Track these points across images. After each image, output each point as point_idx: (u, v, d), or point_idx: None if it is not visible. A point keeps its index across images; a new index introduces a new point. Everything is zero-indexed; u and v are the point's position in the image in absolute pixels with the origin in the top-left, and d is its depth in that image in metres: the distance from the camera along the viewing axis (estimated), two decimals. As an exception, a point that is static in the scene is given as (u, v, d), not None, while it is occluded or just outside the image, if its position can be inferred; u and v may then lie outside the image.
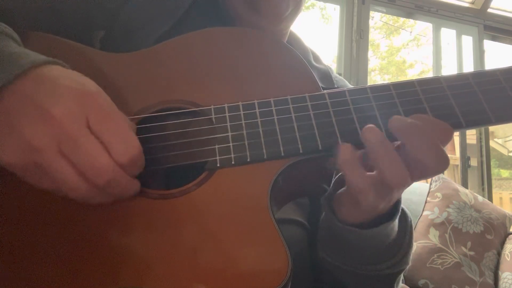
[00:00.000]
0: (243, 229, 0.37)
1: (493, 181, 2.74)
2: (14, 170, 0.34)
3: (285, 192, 0.44)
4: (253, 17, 0.56)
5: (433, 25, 2.43)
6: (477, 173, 2.32)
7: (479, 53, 2.44)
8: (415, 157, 0.37)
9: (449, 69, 2.58)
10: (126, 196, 0.37)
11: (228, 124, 0.42)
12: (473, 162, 2.34)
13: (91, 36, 0.52)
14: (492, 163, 2.40)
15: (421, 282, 1.35)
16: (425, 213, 1.52)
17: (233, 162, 0.40)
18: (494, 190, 2.54)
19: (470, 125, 0.41)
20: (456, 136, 2.34)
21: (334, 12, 2.66)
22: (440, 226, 1.46)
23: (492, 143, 3.45)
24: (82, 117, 0.34)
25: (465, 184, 2.23)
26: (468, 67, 2.45)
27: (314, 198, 0.57)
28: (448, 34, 2.45)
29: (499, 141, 6.32)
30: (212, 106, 0.43)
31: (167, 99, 0.44)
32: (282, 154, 0.40)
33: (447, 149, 0.39)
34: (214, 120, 0.42)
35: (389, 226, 0.43)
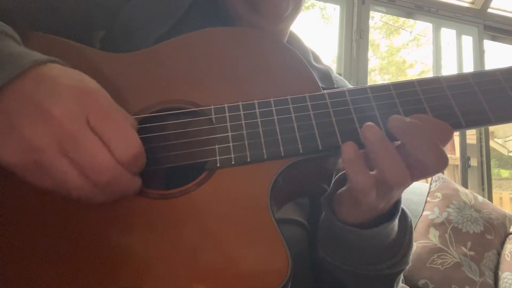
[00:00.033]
0: (243, 229, 0.37)
1: (493, 181, 2.74)
2: (15, 170, 0.34)
3: (285, 192, 0.44)
4: (253, 17, 0.56)
5: (433, 25, 2.43)
6: (477, 173, 2.32)
7: (479, 53, 2.44)
8: (415, 156, 0.37)
9: (449, 69, 2.58)
10: (128, 194, 0.37)
11: (228, 124, 0.42)
12: (473, 162, 2.34)
13: (91, 36, 0.52)
14: (492, 163, 2.40)
15: (421, 282, 1.35)
16: (425, 213, 1.52)
17: (233, 162, 0.40)
18: (494, 190, 2.54)
19: (470, 125, 0.41)
20: (456, 136, 2.35)
21: (334, 12, 2.66)
22: (440, 226, 1.46)
23: (492, 143, 3.45)
24: (82, 116, 0.34)
25: (465, 184, 2.23)
26: (468, 67, 2.46)
27: (314, 198, 0.57)
28: (448, 34, 2.45)
29: (499, 141, 6.32)
30: (212, 106, 0.43)
31: (167, 99, 0.44)
32: (282, 154, 0.40)
33: (447, 149, 0.39)
34: (214, 120, 0.42)
35: (389, 226, 0.43)
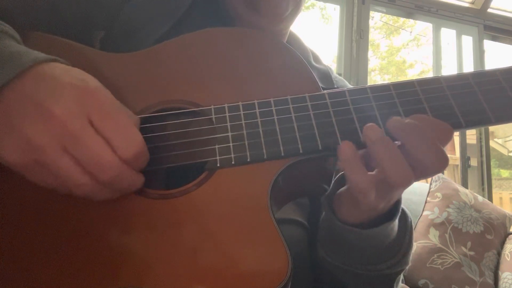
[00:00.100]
0: (243, 229, 0.37)
1: (493, 181, 2.74)
2: (16, 169, 0.34)
3: (285, 192, 0.44)
4: (253, 17, 0.56)
5: (433, 25, 2.43)
6: (477, 173, 2.32)
7: (479, 53, 2.44)
8: (415, 157, 0.37)
9: (449, 69, 2.58)
10: (130, 191, 0.37)
11: (228, 124, 0.42)
12: (473, 162, 2.34)
13: (91, 36, 0.52)
14: (492, 163, 2.40)
15: (421, 282, 1.35)
16: (425, 213, 1.52)
17: (233, 162, 0.40)
18: (494, 190, 2.54)
19: (470, 125, 0.41)
20: (456, 136, 2.34)
21: (334, 12, 2.66)
22: (440, 226, 1.46)
23: (492, 143, 3.45)
24: (84, 114, 0.34)
25: (465, 184, 2.23)
26: (468, 67, 2.46)
27: (314, 198, 0.57)
28: (448, 34, 2.45)
29: (499, 141, 6.32)
30: (212, 106, 0.43)
31: (167, 99, 0.44)
32: (282, 154, 0.40)
33: (447, 149, 0.39)
34: (214, 120, 0.42)
35: (389, 226, 0.43)
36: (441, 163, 0.37)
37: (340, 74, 1.99)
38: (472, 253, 1.41)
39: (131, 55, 0.46)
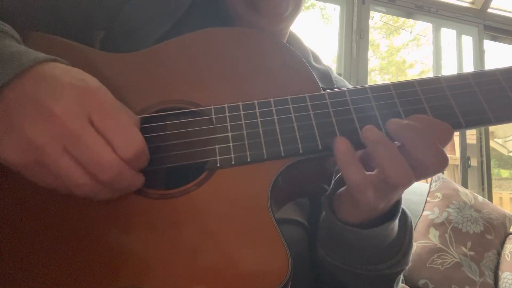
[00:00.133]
0: (243, 229, 0.37)
1: (493, 181, 2.74)
2: (16, 169, 0.34)
3: (285, 192, 0.44)
4: (253, 17, 0.56)
5: (433, 25, 2.43)
6: (477, 173, 2.32)
7: (479, 53, 2.44)
8: (415, 157, 0.37)
9: (449, 69, 2.58)
10: (131, 190, 0.37)
11: (228, 124, 0.42)
12: (473, 162, 2.34)
13: (91, 36, 0.52)
14: (492, 163, 2.40)
15: (421, 282, 1.35)
16: (425, 213, 1.52)
17: (233, 162, 0.40)
18: (494, 190, 2.54)
19: (470, 125, 0.41)
20: (456, 136, 2.34)
21: (334, 12, 2.66)
22: (440, 226, 1.46)
23: (492, 143, 3.45)
24: (84, 114, 0.34)
25: (465, 184, 2.23)
26: (468, 67, 2.46)
27: (314, 198, 0.57)
28: (448, 34, 2.45)
29: (499, 141, 6.32)
30: (212, 106, 0.43)
31: (167, 99, 0.44)
32: (282, 154, 0.40)
33: (447, 149, 0.39)
34: (214, 120, 0.42)
35: (389, 226, 0.43)
36: (441, 163, 0.37)
37: (340, 74, 2.00)
38: (472, 253, 1.41)
39: (131, 55, 0.46)
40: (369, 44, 2.20)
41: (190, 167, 0.41)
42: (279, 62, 0.46)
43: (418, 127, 0.38)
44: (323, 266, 0.51)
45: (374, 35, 5.54)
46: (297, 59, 0.46)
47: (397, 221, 0.45)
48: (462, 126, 0.41)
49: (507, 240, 1.51)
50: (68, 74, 0.36)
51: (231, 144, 0.41)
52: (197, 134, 0.42)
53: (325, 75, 0.63)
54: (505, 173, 6.97)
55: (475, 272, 1.38)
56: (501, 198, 5.24)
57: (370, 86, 0.44)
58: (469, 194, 1.58)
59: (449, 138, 0.39)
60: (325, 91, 0.44)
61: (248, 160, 0.40)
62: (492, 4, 2.47)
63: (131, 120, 0.37)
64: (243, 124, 0.42)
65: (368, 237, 0.43)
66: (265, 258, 0.36)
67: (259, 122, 0.42)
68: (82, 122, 0.34)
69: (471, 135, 2.50)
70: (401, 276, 0.52)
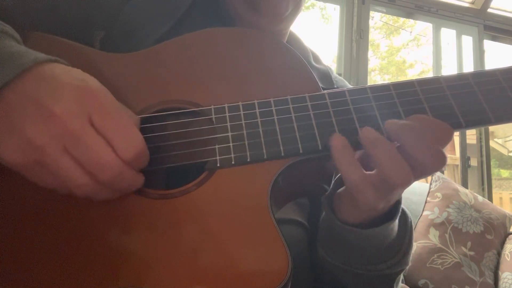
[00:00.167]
0: (243, 229, 0.37)
1: (493, 181, 2.74)
2: (16, 169, 0.34)
3: (285, 192, 0.44)
4: (253, 17, 0.56)
5: (433, 25, 2.43)
6: (477, 173, 2.32)
7: (479, 53, 2.44)
8: (414, 157, 0.37)
9: (449, 69, 2.58)
10: (130, 191, 0.37)
11: (228, 124, 0.42)
12: (473, 162, 2.34)
13: (91, 36, 0.52)
14: (492, 163, 2.40)
15: (421, 282, 1.35)
16: (425, 213, 1.52)
17: (233, 162, 0.40)
18: (494, 190, 2.54)
19: (470, 125, 0.41)
20: (456, 136, 2.34)
21: (334, 12, 2.66)
22: (440, 226, 1.46)
23: (492, 143, 3.45)
24: (84, 114, 0.34)
25: (465, 184, 2.23)
26: (468, 67, 2.46)
27: (314, 198, 0.57)
28: (448, 34, 2.45)
29: (499, 141, 6.32)
30: (212, 106, 0.43)
31: (167, 99, 0.44)
32: (282, 154, 0.40)
33: (447, 149, 0.39)
34: (214, 120, 0.42)
35: (389, 226, 0.43)
36: (440, 162, 0.37)
37: (340, 74, 2.00)
38: (472, 253, 1.41)
39: (131, 55, 0.46)
40: (369, 44, 2.20)
41: (190, 167, 0.41)
42: (279, 62, 0.46)
43: (416, 126, 0.38)
44: (323, 266, 0.51)
45: (374, 35, 5.54)
46: (297, 59, 0.46)
47: (397, 221, 0.45)
48: (462, 126, 0.41)
49: (507, 240, 1.51)
50: (69, 75, 0.36)
51: (231, 144, 0.41)
52: (197, 134, 0.42)
53: (325, 75, 0.63)
54: (505, 173, 6.97)
55: (475, 272, 1.38)
56: (501, 198, 5.24)
57: (370, 86, 0.44)
58: (469, 194, 1.58)
59: (449, 138, 0.39)
60: (325, 91, 0.44)
61: (248, 160, 0.40)
62: (492, 4, 2.47)
63: (131, 120, 0.37)
64: (243, 124, 0.42)
65: (368, 237, 0.43)
66: (265, 258, 0.36)
67: (259, 122, 0.42)
68: (82, 122, 0.34)
69: (471, 135, 2.50)
70: (401, 276, 0.52)
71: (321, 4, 4.05)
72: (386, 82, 0.44)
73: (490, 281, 1.40)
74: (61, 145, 0.33)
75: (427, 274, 1.36)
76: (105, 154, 0.34)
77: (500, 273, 1.42)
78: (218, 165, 0.40)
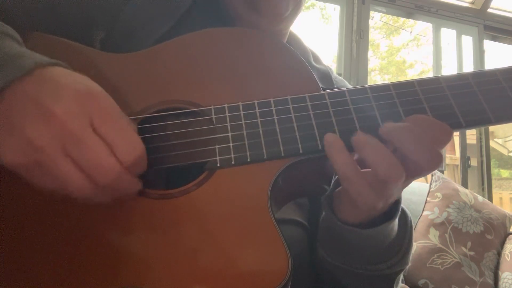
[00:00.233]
0: (243, 229, 0.37)
1: (493, 181, 2.74)
2: (16, 170, 0.34)
3: (285, 192, 0.44)
4: (253, 17, 0.56)
5: (433, 25, 2.43)
6: (477, 173, 2.32)
7: (479, 53, 2.44)
8: (410, 159, 0.37)
9: (449, 69, 2.58)
10: (128, 195, 0.37)
11: (228, 124, 0.42)
12: (473, 162, 2.34)
13: (91, 37, 0.52)
14: (492, 163, 2.40)
15: (421, 282, 1.35)
16: (425, 213, 1.52)
17: (233, 162, 0.40)
18: (494, 190, 2.54)
19: (470, 125, 0.41)
20: (456, 136, 2.34)
21: (334, 12, 2.66)
22: (440, 226, 1.46)
23: (492, 143, 3.44)
24: (85, 117, 0.34)
25: (465, 184, 2.23)
26: (468, 67, 2.46)
27: (314, 198, 0.57)
28: (448, 34, 2.45)
29: (499, 141, 6.32)
30: (212, 106, 0.43)
31: (167, 99, 0.44)
32: (282, 154, 0.40)
33: (447, 149, 0.40)
34: (214, 120, 0.42)
35: (389, 225, 0.43)
36: (435, 163, 0.37)
37: (340, 74, 2.00)
38: (472, 253, 1.41)
39: (131, 55, 0.46)
40: (369, 44, 2.19)
41: (190, 167, 0.41)
42: (279, 62, 0.46)
43: (410, 128, 0.38)
44: (323, 266, 0.51)
45: (374, 35, 5.54)
46: (297, 59, 0.46)
47: (396, 220, 0.45)
48: (462, 126, 0.41)
49: (507, 240, 1.51)
50: (70, 77, 0.36)
51: (231, 144, 0.41)
52: (197, 134, 0.42)
53: (325, 75, 0.63)
54: (505, 173, 6.97)
55: (475, 272, 1.38)
56: (501, 198, 5.24)
57: (370, 86, 0.44)
58: (469, 194, 1.58)
59: (448, 138, 0.39)
60: (325, 91, 0.44)
61: (248, 160, 0.40)
62: (492, 4, 2.47)
63: (131, 125, 0.37)
64: (243, 124, 0.42)
65: (368, 237, 0.43)
66: (265, 258, 0.36)
67: (259, 122, 0.42)
68: (82, 123, 0.33)
69: (471, 135, 2.50)
70: (401, 276, 0.52)
71: (321, 4, 4.05)
72: (386, 82, 0.44)
73: (490, 281, 1.40)
74: (61, 146, 0.33)
75: (427, 274, 1.36)
76: (105, 157, 0.34)
77: (500, 273, 1.42)
78: (218, 165, 0.40)
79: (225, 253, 0.36)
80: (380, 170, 0.36)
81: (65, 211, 0.38)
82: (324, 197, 0.46)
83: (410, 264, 0.50)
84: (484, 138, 2.35)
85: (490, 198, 2.22)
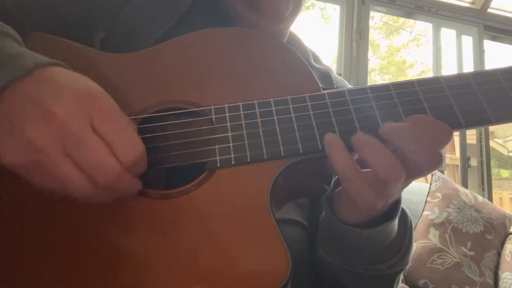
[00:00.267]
0: (243, 229, 0.37)
1: (493, 181, 2.74)
2: (16, 170, 0.34)
3: (285, 192, 0.44)
4: (253, 17, 0.56)
5: (433, 25, 2.43)
6: (477, 173, 2.32)
7: (479, 53, 2.44)
8: (409, 158, 0.37)
9: (449, 69, 2.58)
10: (127, 196, 0.37)
11: (228, 124, 0.42)
12: (473, 162, 2.34)
13: (91, 37, 0.52)
14: (492, 163, 2.40)
15: (421, 282, 1.35)
16: (425, 213, 1.52)
17: (233, 162, 0.40)
18: (494, 190, 2.54)
19: (470, 125, 0.41)
20: (456, 136, 2.34)
21: (334, 12, 2.66)
22: (440, 226, 1.46)
23: (492, 143, 3.44)
24: (85, 116, 0.34)
25: (465, 184, 2.23)
26: (468, 67, 2.46)
27: (314, 198, 0.57)
28: (448, 34, 2.45)
29: (499, 141, 6.32)
30: (212, 106, 0.43)
31: (168, 99, 0.44)
32: (282, 154, 0.40)
33: (447, 149, 0.40)
34: (214, 120, 0.42)
35: (389, 225, 0.43)
36: (435, 163, 0.37)
37: (340, 74, 2.00)
38: (472, 253, 1.41)
39: (131, 55, 0.46)
40: (369, 44, 2.19)
41: (190, 167, 0.41)
42: (279, 62, 0.46)
43: (410, 128, 0.38)
44: (323, 266, 0.51)
45: (374, 35, 5.54)
46: (297, 59, 0.46)
47: (396, 220, 0.45)
48: (462, 126, 0.41)
49: (507, 240, 1.51)
50: (70, 78, 0.36)
51: (231, 144, 0.41)
52: (197, 134, 0.42)
53: (325, 75, 0.63)
54: (505, 173, 6.97)
55: (475, 272, 1.38)
56: (501, 198, 5.24)
57: (370, 86, 0.44)
58: (469, 194, 1.58)
59: (448, 138, 0.39)
60: (325, 91, 0.44)
61: (248, 160, 0.40)
62: (492, 4, 2.47)
63: (131, 126, 0.37)
64: (243, 124, 0.42)
65: (368, 237, 0.43)
66: (265, 258, 0.36)
67: (259, 122, 0.42)
68: (82, 123, 0.33)
69: (471, 135, 2.50)
70: (401, 276, 0.52)
71: (321, 4, 4.05)
72: (386, 82, 0.44)
73: (490, 281, 1.40)
74: (60, 145, 0.33)
75: (427, 274, 1.36)
76: (105, 157, 0.34)
77: (500, 273, 1.42)
78: (218, 165, 0.40)
79: (225, 253, 0.36)
80: (380, 170, 0.36)
81: (65, 211, 0.38)
82: (324, 197, 0.46)
83: (410, 264, 0.50)
84: (484, 138, 2.35)
85: (490, 198, 2.22)
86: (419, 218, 1.51)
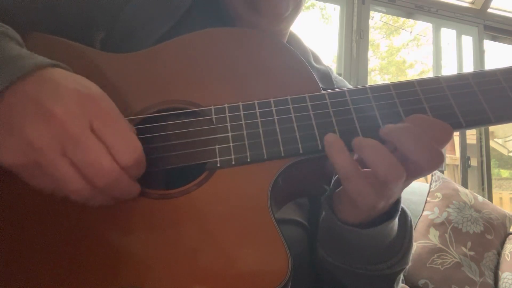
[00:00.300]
0: (243, 229, 0.37)
1: (493, 181, 2.74)
2: (15, 171, 0.34)
3: (285, 192, 0.44)
4: (253, 17, 0.56)
5: (433, 25, 2.43)
6: (477, 173, 2.32)
7: (479, 53, 2.44)
8: (409, 158, 0.37)
9: (449, 69, 2.58)
10: (126, 198, 0.37)
11: (228, 124, 0.42)
12: (473, 162, 2.34)
13: (91, 37, 0.52)
14: (492, 163, 2.40)
15: (421, 282, 1.35)
16: (425, 213, 1.52)
17: (233, 163, 0.40)
18: (494, 190, 2.54)
19: (470, 125, 0.41)
20: (456, 136, 2.34)
21: (334, 12, 2.66)
22: (440, 226, 1.46)
23: (492, 143, 3.44)
24: (85, 118, 0.34)
25: (465, 184, 2.23)
26: (468, 67, 2.46)
27: (314, 198, 0.57)
28: (448, 34, 2.45)
29: (499, 141, 6.32)
30: (213, 106, 0.43)
31: (168, 99, 0.44)
32: (282, 154, 0.40)
33: (447, 149, 0.40)
34: (214, 120, 0.42)
35: (389, 225, 0.43)
36: (436, 162, 0.37)
37: (340, 74, 2.00)
38: (472, 253, 1.41)
39: (131, 55, 0.46)
40: (369, 44, 2.19)
41: (190, 167, 0.41)
42: (279, 62, 0.46)
43: (410, 128, 0.38)
44: (323, 266, 0.51)
45: (374, 35, 5.54)
46: (297, 59, 0.46)
47: (396, 220, 0.45)
48: (462, 126, 0.41)
49: (507, 240, 1.51)
50: (71, 80, 0.36)
51: (231, 144, 0.41)
52: (197, 134, 0.42)
53: (325, 75, 0.63)
54: (505, 173, 6.97)
55: (475, 272, 1.38)
56: (501, 198, 5.24)
57: (370, 86, 0.44)
58: (469, 194, 1.58)
59: (449, 138, 0.39)
60: (325, 91, 0.44)
61: (248, 160, 0.40)
62: (492, 4, 2.47)
63: (130, 128, 0.37)
64: (243, 124, 0.42)
65: (368, 236, 0.43)
66: (265, 258, 0.36)
67: (259, 122, 0.42)
68: (82, 124, 0.33)
69: (471, 135, 2.50)
70: (401, 276, 0.52)
71: (321, 4, 4.05)
72: (386, 82, 0.44)
73: (490, 281, 1.40)
74: (60, 147, 0.33)
75: (427, 274, 1.36)
76: (104, 159, 0.33)
77: (500, 273, 1.42)
78: (218, 165, 0.40)
79: (225, 253, 0.36)
80: (380, 170, 0.36)
81: (65, 211, 0.38)
82: (324, 197, 0.46)
83: (410, 264, 0.50)
84: (484, 138, 2.35)
85: (490, 198, 2.22)
86: (419, 218, 1.51)
